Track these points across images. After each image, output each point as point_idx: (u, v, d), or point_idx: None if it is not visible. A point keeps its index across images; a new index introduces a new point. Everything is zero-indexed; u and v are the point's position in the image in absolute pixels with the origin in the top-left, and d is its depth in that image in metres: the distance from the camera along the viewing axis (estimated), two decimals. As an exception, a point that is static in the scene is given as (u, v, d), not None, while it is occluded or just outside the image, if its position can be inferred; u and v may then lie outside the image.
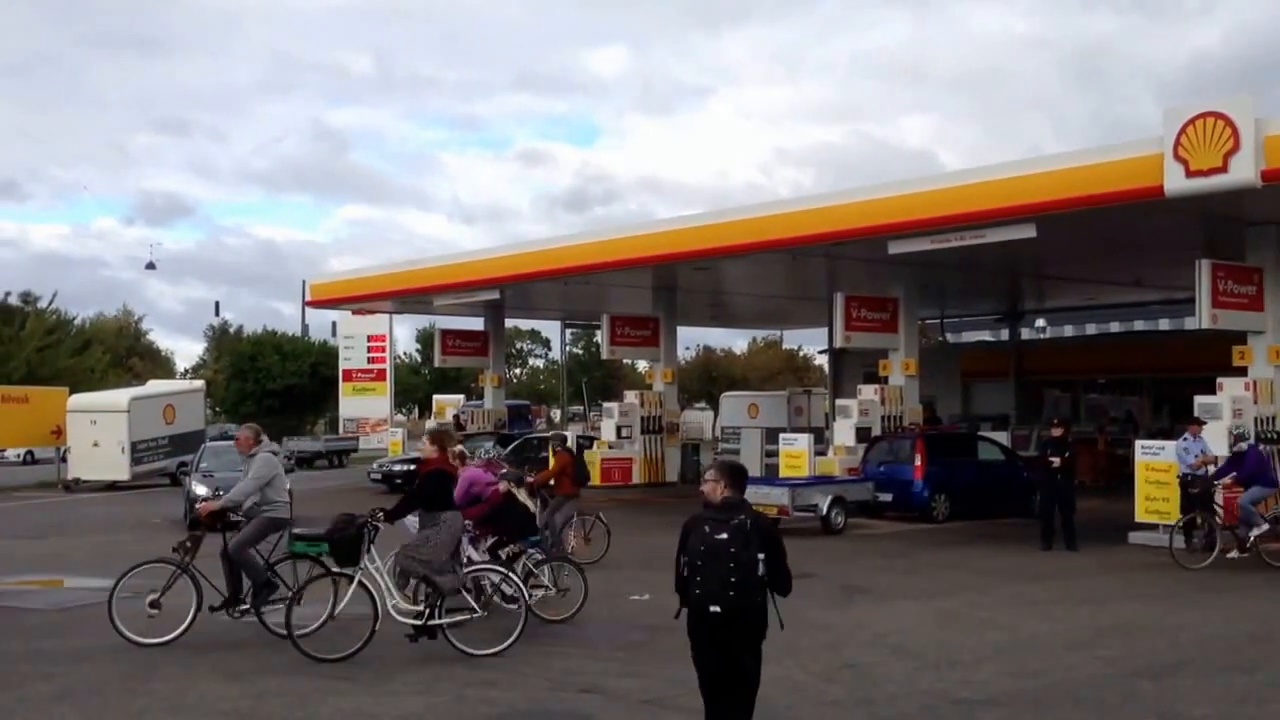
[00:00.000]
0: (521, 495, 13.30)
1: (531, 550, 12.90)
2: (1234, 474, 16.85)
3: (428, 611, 10.83)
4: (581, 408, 72.86)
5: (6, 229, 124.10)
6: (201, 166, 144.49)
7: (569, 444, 18.78)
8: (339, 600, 11.04)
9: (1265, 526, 16.33)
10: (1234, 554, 16.21)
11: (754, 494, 20.43)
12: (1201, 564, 15.92)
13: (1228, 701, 9.17)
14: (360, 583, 10.85)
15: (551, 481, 17.10)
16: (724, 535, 6.33)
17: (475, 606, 11.08)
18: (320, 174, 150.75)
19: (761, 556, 6.19)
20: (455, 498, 13.32)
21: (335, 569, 11.05)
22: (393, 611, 10.92)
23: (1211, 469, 17.23)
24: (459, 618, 10.92)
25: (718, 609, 6.28)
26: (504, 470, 14.46)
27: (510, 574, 11.65)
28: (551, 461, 18.38)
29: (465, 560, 12.18)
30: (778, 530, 6.53)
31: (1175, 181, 16.17)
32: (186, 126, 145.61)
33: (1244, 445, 17.01)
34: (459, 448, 15.84)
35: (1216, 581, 14.52)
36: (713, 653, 6.45)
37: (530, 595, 12.19)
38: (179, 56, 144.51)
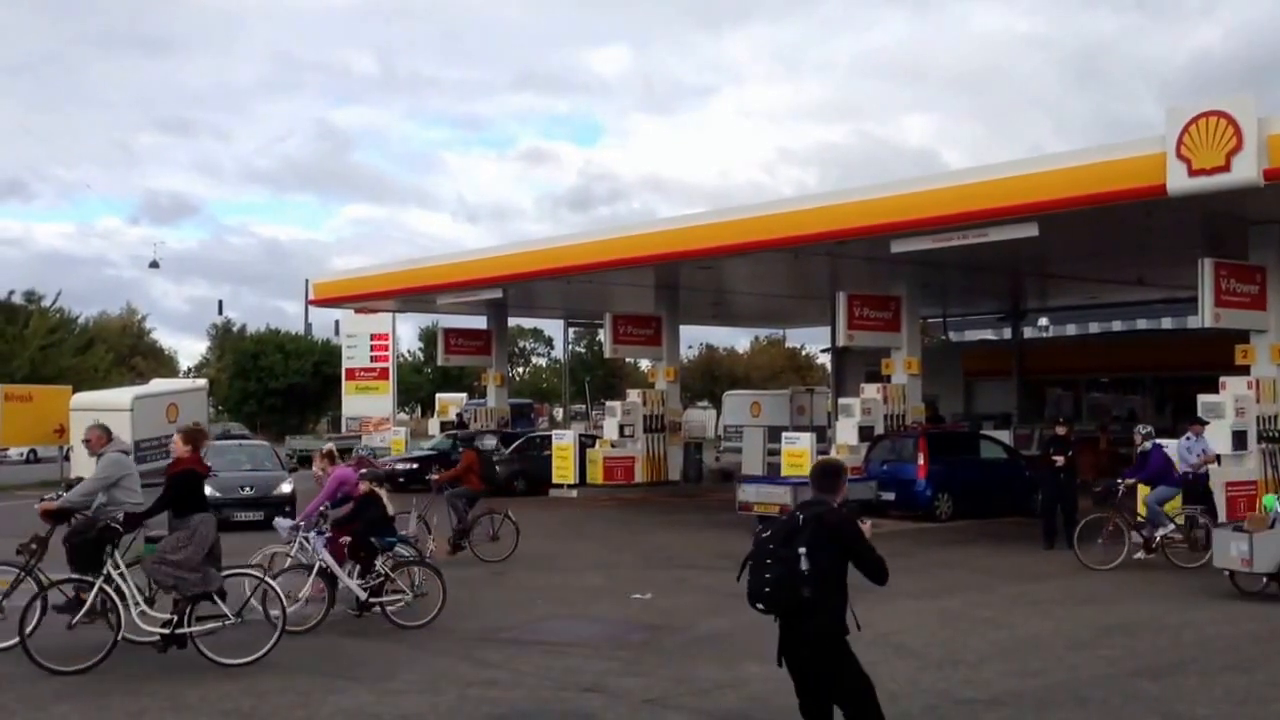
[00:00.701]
0: (384, 495, 13.01)
1: (391, 553, 12.59)
2: (1140, 475, 16.81)
3: (176, 619, 10.23)
4: (584, 406, 72.80)
5: (12, 228, 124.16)
6: (205, 165, 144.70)
7: (475, 444, 18.99)
8: (83, 609, 10.39)
9: (1171, 526, 16.28)
10: (1141, 555, 16.16)
11: (755, 493, 20.53)
12: (1108, 565, 15.82)
13: (1229, 701, 9.17)
14: (101, 589, 10.24)
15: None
16: (767, 533, 6.36)
17: (228, 613, 10.38)
18: (323, 173, 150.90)
19: (803, 551, 6.12)
20: (324, 496, 13.42)
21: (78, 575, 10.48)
22: (138, 620, 10.29)
23: (1214, 468, 17.22)
24: (210, 625, 10.34)
25: (761, 606, 6.30)
26: (365, 470, 14.35)
27: (268, 580, 11.09)
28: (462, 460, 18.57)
29: (329, 573, 12.05)
30: (850, 524, 6.39)
31: (1178, 181, 16.13)
32: (190, 126, 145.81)
33: (1148, 445, 16.92)
34: (329, 446, 16.12)
35: (1216, 581, 14.49)
36: (782, 653, 6.42)
37: (389, 599, 12.15)
38: (182, 56, 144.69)
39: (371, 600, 12.21)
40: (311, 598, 11.97)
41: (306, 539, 12.42)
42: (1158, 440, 17.10)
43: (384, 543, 12.59)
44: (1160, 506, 16.45)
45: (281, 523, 13.10)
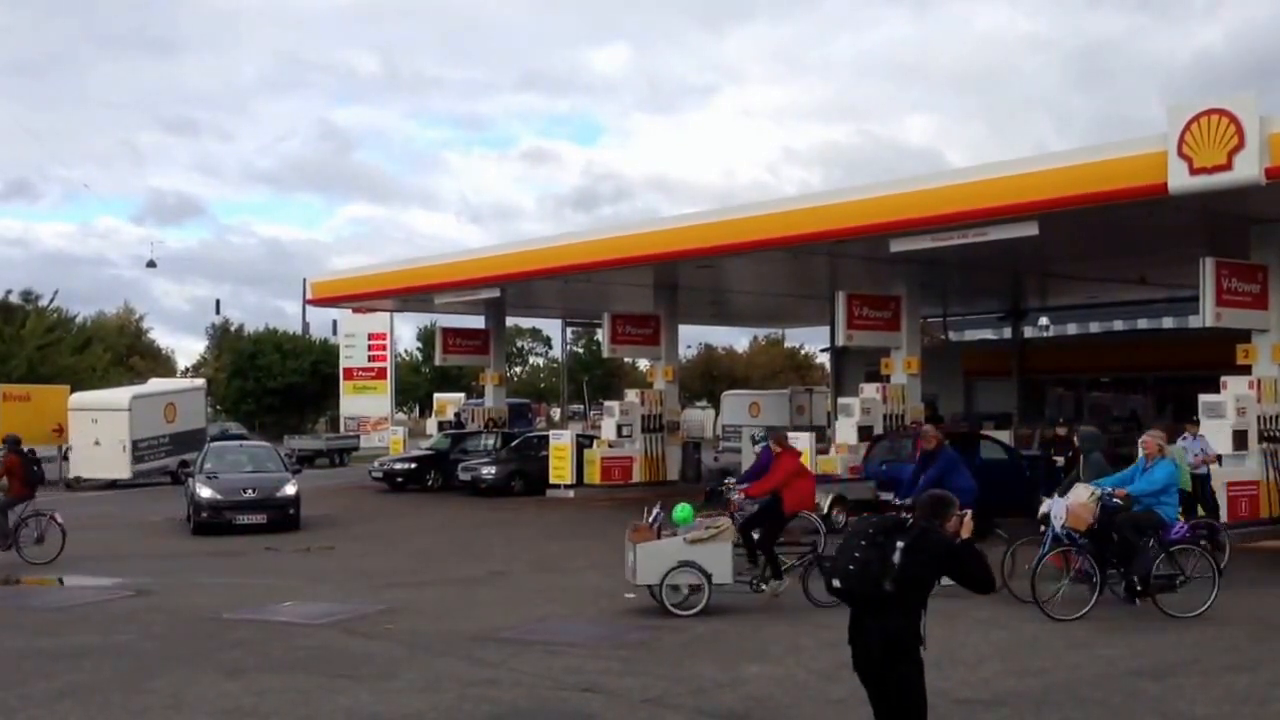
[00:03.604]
0: None
1: None
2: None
3: None
4: (582, 406, 72.76)
5: (15, 228, 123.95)
6: (207, 165, 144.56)
7: (21, 446, 19.19)
8: None
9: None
10: None
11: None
12: None
13: (1230, 701, 9.13)
14: None
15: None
16: (873, 528, 6.28)
17: None
18: (325, 173, 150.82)
19: (901, 545, 6.04)
20: None
21: None
22: None
23: (1215, 468, 17.18)
24: None
25: (838, 584, 6.21)
26: None
27: None
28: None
29: None
30: (957, 546, 6.29)
31: (1179, 179, 16.10)
32: (192, 126, 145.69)
33: (758, 447, 16.85)
34: None
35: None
36: (854, 655, 6.32)
37: None
38: (185, 56, 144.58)
39: None
40: None
41: None
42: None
43: None
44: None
45: None
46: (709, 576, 12.58)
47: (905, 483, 15.29)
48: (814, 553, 13.62)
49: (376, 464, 33.46)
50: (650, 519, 13.25)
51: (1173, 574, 12.47)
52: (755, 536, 13.59)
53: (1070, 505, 12.62)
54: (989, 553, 6.87)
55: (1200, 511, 17.17)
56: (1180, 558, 12.60)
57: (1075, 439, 15.96)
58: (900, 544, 6.07)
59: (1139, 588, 12.35)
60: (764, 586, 13.28)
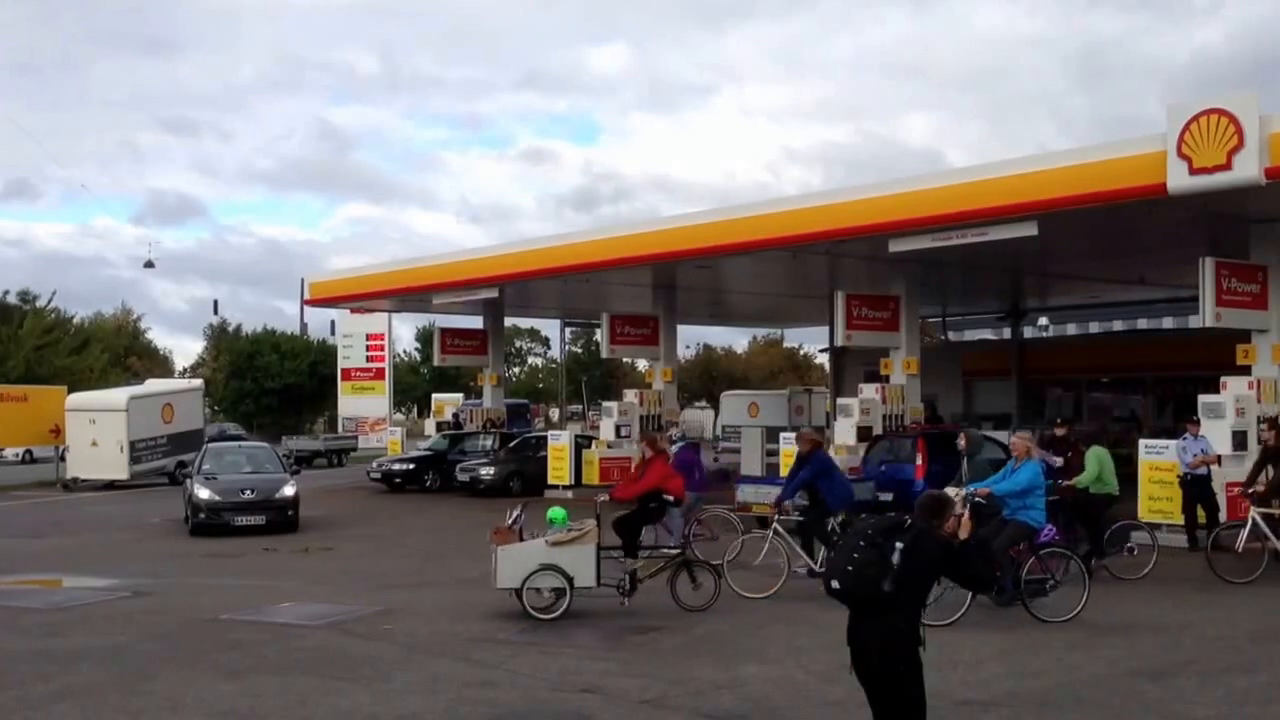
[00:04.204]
0: None
1: None
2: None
3: None
4: (580, 406, 72.76)
5: (13, 228, 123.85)
6: (205, 165, 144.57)
7: None
8: None
9: None
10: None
11: (752, 493, 20.41)
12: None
13: (1230, 702, 9.12)
14: None
15: None
16: (871, 529, 6.25)
17: None
18: (323, 173, 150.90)
19: (900, 547, 6.02)
20: None
21: None
22: None
23: (1215, 469, 17.13)
24: None
25: (836, 585, 6.17)
26: None
27: None
28: None
29: None
30: (954, 546, 6.33)
31: (1178, 179, 16.06)
32: (191, 125, 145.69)
33: (677, 447, 16.77)
34: None
35: (1218, 582, 14.43)
36: (852, 656, 6.28)
37: None
38: (183, 56, 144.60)
39: None
40: None
41: None
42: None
43: None
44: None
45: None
46: (571, 580, 12.40)
47: (784, 485, 15.49)
48: (683, 555, 13.42)
49: (375, 465, 33.44)
50: (511, 520, 13.10)
51: (1043, 578, 12.30)
52: (629, 533, 13.72)
53: None
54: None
55: (1201, 513, 17.15)
56: (1050, 561, 12.43)
57: (960, 440, 15.96)
58: (899, 545, 6.05)
59: (1008, 593, 12.12)
60: (625, 596, 12.95)
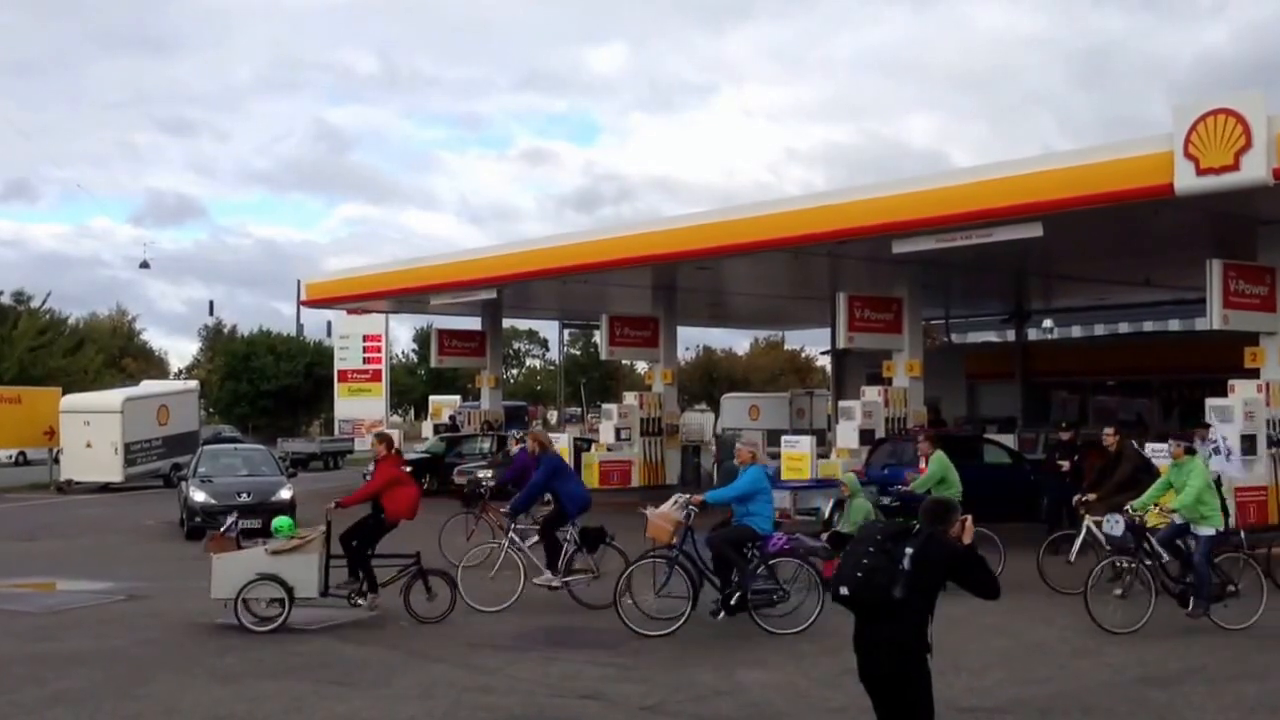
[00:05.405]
0: None
1: None
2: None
3: None
4: (579, 409, 72.63)
5: (9, 229, 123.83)
6: (203, 166, 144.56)
7: None
8: None
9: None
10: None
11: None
12: None
13: (1238, 710, 9.04)
14: None
15: None
16: (880, 534, 6.17)
17: None
18: (321, 173, 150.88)
19: (910, 552, 5.93)
20: None
21: None
22: None
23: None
24: None
25: (845, 591, 6.05)
26: None
27: None
28: None
29: None
30: (963, 550, 6.18)
31: (1185, 180, 15.95)
32: (188, 126, 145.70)
33: (517, 449, 16.40)
34: None
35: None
36: (860, 664, 6.16)
37: None
38: (180, 56, 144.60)
39: None
40: None
41: None
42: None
43: None
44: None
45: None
46: (290, 590, 11.99)
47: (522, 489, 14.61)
48: (417, 565, 12.74)
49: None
50: (226, 528, 12.72)
51: (771, 589, 11.96)
52: (354, 546, 12.86)
53: (651, 516, 11.99)
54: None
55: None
56: (779, 571, 12.08)
57: (713, 446, 15.78)
58: (909, 550, 5.98)
59: (732, 603, 11.77)
60: (360, 601, 12.64)
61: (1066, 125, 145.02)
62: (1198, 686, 9.74)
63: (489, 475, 15.25)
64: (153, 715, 8.95)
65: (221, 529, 12.74)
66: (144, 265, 64.00)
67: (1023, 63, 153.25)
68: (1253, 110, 15.41)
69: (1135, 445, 15.18)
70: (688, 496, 12.35)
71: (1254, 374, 18.66)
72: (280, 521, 12.89)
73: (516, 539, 13.79)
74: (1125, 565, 12.39)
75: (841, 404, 26.13)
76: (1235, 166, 15.47)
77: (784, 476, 23.13)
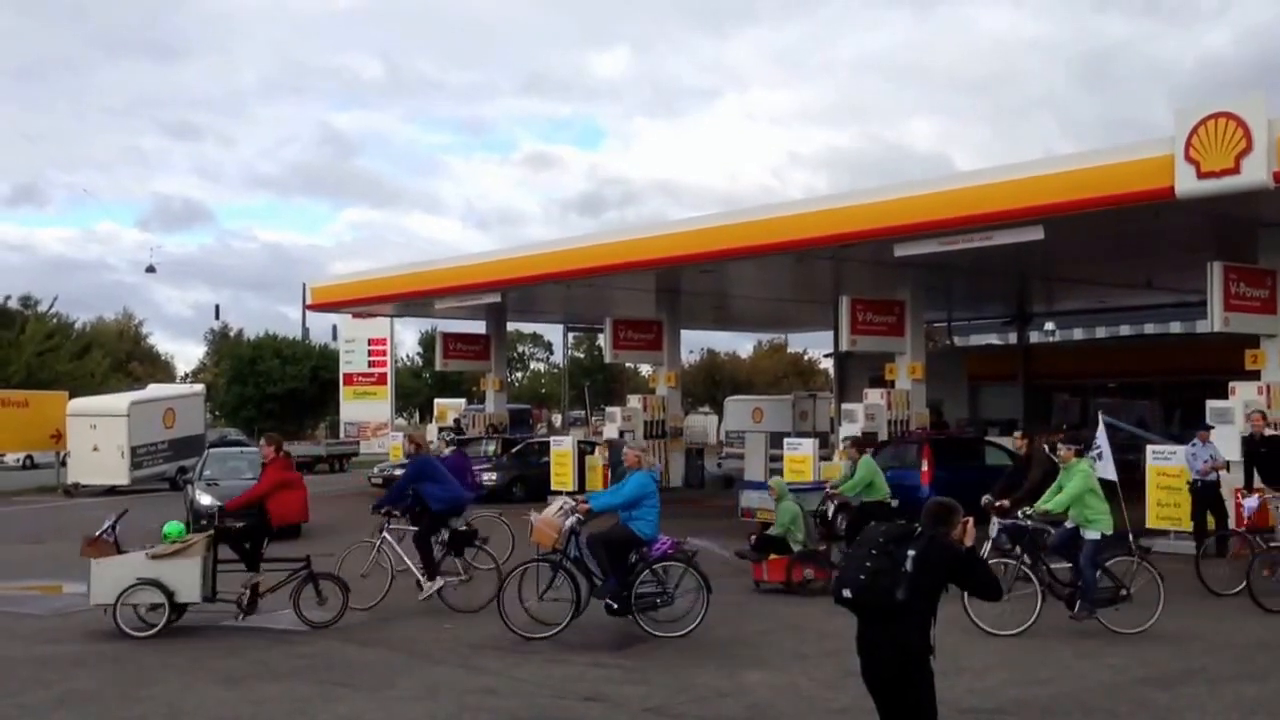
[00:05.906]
0: None
1: None
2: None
3: None
4: (583, 412, 72.62)
5: (17, 234, 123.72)
6: (209, 170, 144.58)
7: None
8: None
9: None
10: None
11: (758, 499, 20.28)
12: None
13: (1240, 710, 9.05)
14: None
15: None
16: (882, 537, 6.19)
17: None
18: (326, 178, 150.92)
19: (912, 554, 5.98)
20: None
21: None
22: None
23: (1225, 475, 17.00)
24: None
25: (848, 594, 6.09)
26: None
27: None
28: None
29: None
30: (964, 553, 6.27)
31: (1186, 183, 15.97)
32: (194, 130, 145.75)
33: (448, 451, 16.30)
34: None
35: (1226, 589, 14.30)
36: (863, 666, 6.19)
37: None
38: (186, 60, 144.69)
39: None
40: None
41: None
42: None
43: None
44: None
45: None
46: (171, 595, 11.82)
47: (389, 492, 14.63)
48: (307, 569, 12.60)
49: (376, 470, 33.34)
50: (102, 531, 12.42)
51: (656, 592, 11.95)
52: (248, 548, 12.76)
53: (536, 521, 11.95)
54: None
55: (1210, 519, 17.01)
56: (664, 574, 12.06)
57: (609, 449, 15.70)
58: (911, 553, 6.02)
59: (615, 605, 11.76)
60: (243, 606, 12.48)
61: (1068, 128, 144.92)
62: (1199, 687, 9.75)
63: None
64: (157, 717, 8.98)
65: (98, 532, 12.40)
66: (150, 269, 64.18)
67: (1025, 66, 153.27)
68: (1253, 113, 15.43)
69: (1046, 450, 15.13)
70: (574, 502, 12.25)
71: (1255, 376, 18.69)
72: (170, 526, 12.68)
73: (389, 537, 13.78)
74: (1005, 566, 12.15)
75: (844, 406, 26.19)
76: (1236, 170, 15.48)
77: (785, 478, 23.16)
